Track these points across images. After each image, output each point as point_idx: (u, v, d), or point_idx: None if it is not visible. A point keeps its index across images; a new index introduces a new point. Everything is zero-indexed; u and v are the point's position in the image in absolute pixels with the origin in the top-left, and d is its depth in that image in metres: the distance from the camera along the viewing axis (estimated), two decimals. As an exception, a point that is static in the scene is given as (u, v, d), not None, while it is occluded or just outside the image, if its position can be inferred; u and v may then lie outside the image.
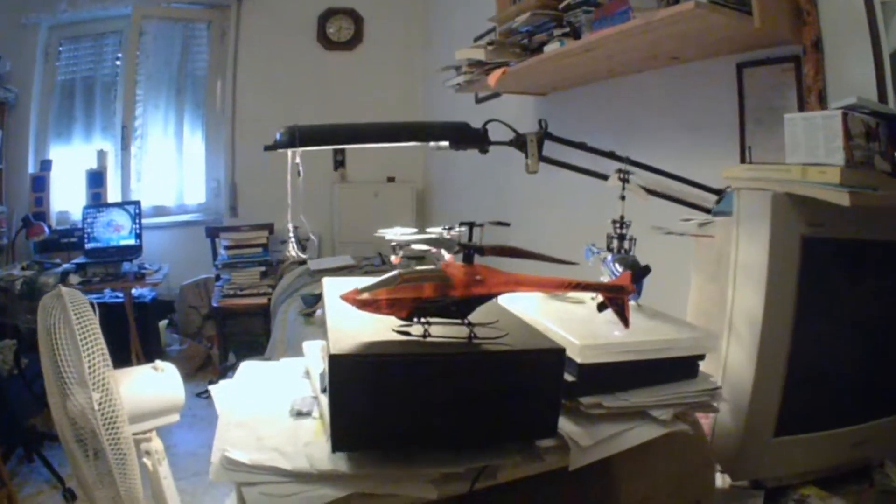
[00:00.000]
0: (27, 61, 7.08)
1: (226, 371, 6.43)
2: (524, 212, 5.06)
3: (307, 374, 2.08)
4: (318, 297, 5.09)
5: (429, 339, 1.57)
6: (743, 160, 2.75)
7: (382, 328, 1.60)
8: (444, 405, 1.53)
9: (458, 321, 1.60)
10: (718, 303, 2.10)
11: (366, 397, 1.48)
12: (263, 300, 6.66)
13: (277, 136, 1.97)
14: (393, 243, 2.14)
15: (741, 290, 1.95)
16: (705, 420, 2.00)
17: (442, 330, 1.59)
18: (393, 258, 2.25)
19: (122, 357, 5.97)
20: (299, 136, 1.95)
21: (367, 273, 6.18)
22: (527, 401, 1.57)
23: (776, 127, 2.59)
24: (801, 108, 2.48)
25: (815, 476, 2.01)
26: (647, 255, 2.15)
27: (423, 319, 1.59)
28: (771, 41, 2.59)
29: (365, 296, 1.56)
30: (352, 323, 1.65)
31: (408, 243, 2.10)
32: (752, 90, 2.77)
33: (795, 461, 2.00)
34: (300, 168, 1.98)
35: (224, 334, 6.83)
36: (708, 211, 2.37)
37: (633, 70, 3.55)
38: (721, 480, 2.03)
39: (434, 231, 2.05)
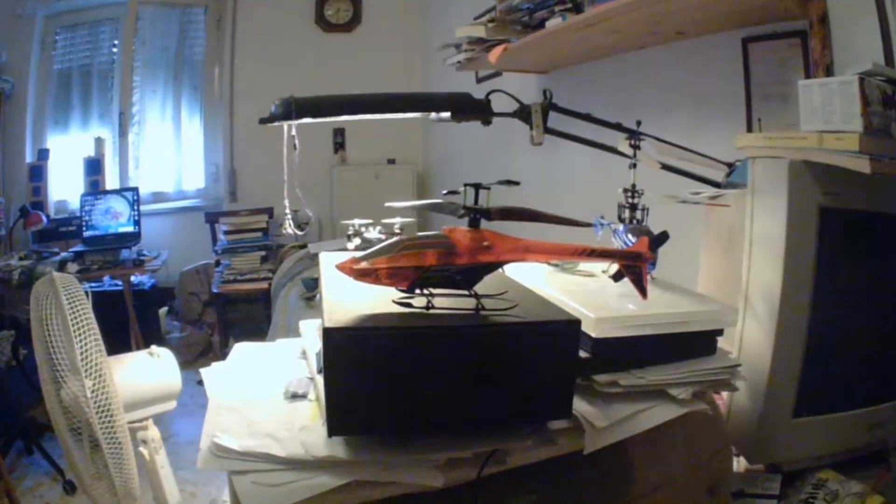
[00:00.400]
0: (23, 51, 7.00)
1: (227, 357, 6.35)
2: (531, 189, 4.97)
3: (303, 354, 2.01)
4: (318, 281, 5.04)
5: (432, 311, 1.48)
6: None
7: (382, 299, 1.51)
8: (450, 383, 1.43)
9: (464, 292, 1.52)
10: (730, 276, 2.06)
11: (364, 375, 1.38)
12: (264, 285, 6.59)
13: (273, 109, 1.91)
14: (363, 227, 2.07)
15: (757, 263, 1.89)
16: (721, 401, 1.94)
17: (446, 301, 1.50)
18: (349, 245, 2.19)
19: (122, 345, 5.87)
20: (296, 108, 1.88)
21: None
22: (539, 378, 1.48)
23: (783, 102, 2.58)
24: (808, 83, 2.43)
25: (832, 460, 1.96)
26: (657, 226, 2.09)
27: (426, 290, 1.50)
28: (777, 15, 2.55)
29: (363, 265, 1.46)
30: (349, 295, 1.56)
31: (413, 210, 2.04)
32: (757, 65, 2.73)
33: (814, 444, 1.95)
34: (296, 142, 1.92)
35: (225, 320, 6.79)
36: (717, 185, 2.31)
37: (637, 46, 3.50)
38: (737, 464, 1.97)
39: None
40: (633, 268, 1.67)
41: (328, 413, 1.40)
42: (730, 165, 2.34)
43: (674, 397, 1.66)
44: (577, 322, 1.50)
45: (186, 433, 4.96)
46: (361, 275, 1.46)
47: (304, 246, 6.39)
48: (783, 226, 1.78)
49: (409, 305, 1.49)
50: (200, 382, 5.50)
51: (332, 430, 1.41)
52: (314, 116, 1.92)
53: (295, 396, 1.73)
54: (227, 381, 1.89)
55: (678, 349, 1.75)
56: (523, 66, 4.55)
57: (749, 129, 2.73)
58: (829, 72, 2.32)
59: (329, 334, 1.35)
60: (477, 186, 1.57)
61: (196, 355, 6.92)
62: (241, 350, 2.14)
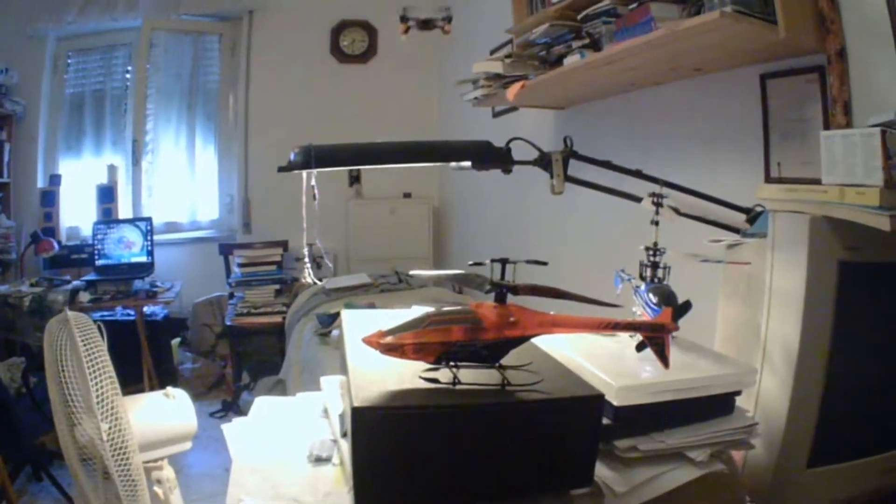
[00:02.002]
0: (35, 73, 7.04)
1: (240, 391, 6.41)
2: (547, 228, 5.01)
3: (325, 412, 2.00)
4: (333, 317, 5.04)
5: (458, 387, 1.48)
6: (768, 174, 2.69)
7: (407, 372, 1.52)
8: (476, 457, 1.44)
9: (489, 365, 1.52)
10: (749, 326, 2.05)
11: (391, 451, 1.40)
12: (278, 319, 6.55)
13: (292, 157, 1.90)
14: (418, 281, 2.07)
15: (776, 318, 1.89)
16: (737, 452, 1.93)
17: (472, 374, 1.51)
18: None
19: (134, 376, 5.96)
20: (315, 157, 1.88)
21: (383, 291, 6.13)
22: (563, 449, 1.50)
23: (801, 139, 2.56)
24: (826, 118, 2.43)
25: (849, 505, 1.95)
26: (674, 277, 2.08)
27: (452, 364, 1.50)
28: (795, 51, 2.54)
29: (389, 340, 1.46)
30: (374, 366, 1.56)
31: (436, 280, 2.03)
32: (775, 101, 2.71)
33: (829, 492, 1.94)
34: (315, 191, 1.91)
35: (238, 353, 6.75)
36: (737, 231, 2.30)
37: (654, 82, 3.49)
38: (753, 514, 1.96)
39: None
40: (657, 339, 1.67)
41: (356, 485, 1.41)
42: (748, 211, 2.33)
43: (692, 459, 1.66)
44: (601, 397, 1.53)
45: (199, 465, 4.96)
46: (388, 349, 1.47)
47: (319, 280, 6.38)
48: (803, 281, 1.78)
49: (435, 381, 1.49)
50: (213, 414, 5.52)
51: (360, 501, 1.41)
52: (333, 165, 1.92)
53: (319, 460, 1.72)
54: (249, 439, 1.88)
55: (697, 411, 1.75)
56: (540, 101, 4.55)
57: (767, 168, 2.72)
58: (847, 108, 2.31)
59: (358, 413, 1.36)
60: (503, 262, 1.57)
61: (208, 387, 6.91)
62: (262, 405, 2.13)
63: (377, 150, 2.03)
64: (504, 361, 1.53)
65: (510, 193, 5.61)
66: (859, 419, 1.95)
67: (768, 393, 1.88)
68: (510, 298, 1.55)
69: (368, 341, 1.49)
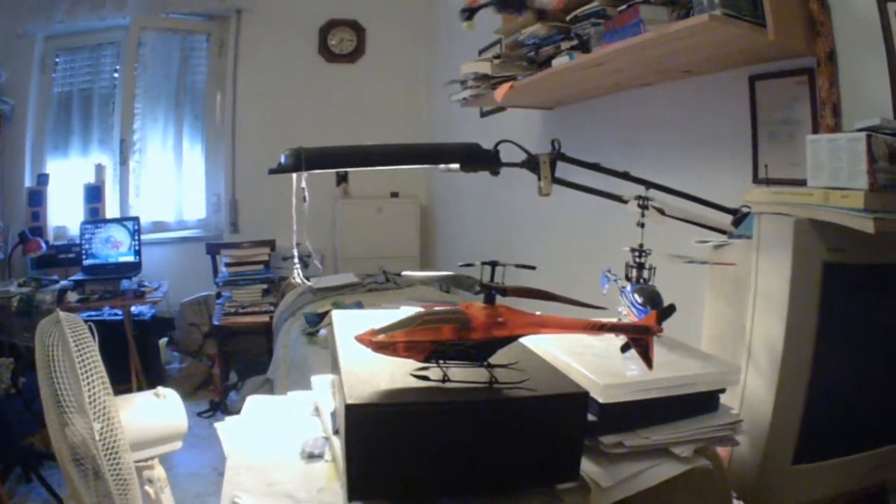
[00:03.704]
0: (23, 72, 7.02)
1: (227, 390, 6.40)
2: (535, 227, 5.05)
3: (316, 410, 2.02)
4: (321, 316, 5.04)
5: (448, 385, 1.51)
6: (756, 175, 2.72)
7: (398, 371, 1.55)
8: (465, 452, 1.47)
9: (478, 364, 1.54)
10: (734, 325, 2.07)
11: (383, 446, 1.43)
12: (265, 318, 6.54)
13: (282, 159, 1.91)
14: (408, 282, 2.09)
15: (761, 319, 1.90)
16: (723, 449, 1.94)
17: (461, 373, 1.54)
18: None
19: (122, 375, 5.96)
20: (305, 159, 1.88)
21: (370, 291, 6.13)
22: (549, 445, 1.53)
23: (789, 140, 2.59)
24: (815, 121, 2.46)
25: (833, 502, 1.98)
26: (662, 277, 2.10)
27: (441, 362, 1.53)
28: (784, 53, 2.57)
29: (381, 338, 1.49)
30: (365, 365, 1.58)
31: (426, 280, 2.04)
32: (764, 103, 2.74)
33: (814, 489, 1.95)
34: (306, 193, 1.91)
35: (225, 353, 6.74)
36: (724, 232, 2.31)
37: (643, 83, 3.51)
38: (738, 510, 1.98)
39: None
40: (641, 340, 1.70)
41: (348, 480, 1.43)
42: (735, 213, 2.34)
43: (676, 455, 1.69)
44: (586, 395, 1.56)
45: (187, 464, 4.96)
46: (380, 347, 1.50)
47: (306, 280, 6.37)
48: (787, 282, 1.79)
49: (426, 378, 1.52)
50: (201, 414, 5.54)
51: (352, 495, 1.44)
52: (323, 168, 1.93)
53: (312, 457, 1.74)
54: (243, 437, 1.90)
55: (681, 408, 1.77)
56: (528, 102, 4.57)
57: (755, 170, 2.74)
58: (836, 110, 2.33)
59: (351, 410, 1.39)
60: (493, 264, 1.61)
61: (196, 387, 6.92)
62: (254, 403, 2.15)
63: (367, 153, 2.03)
64: (492, 360, 1.55)
65: (498, 192, 5.62)
66: (844, 417, 1.97)
67: (753, 391, 1.90)
68: (501, 300, 1.58)
69: (360, 339, 1.52)
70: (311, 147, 1.91)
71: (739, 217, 2.28)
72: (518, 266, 1.63)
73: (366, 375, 1.53)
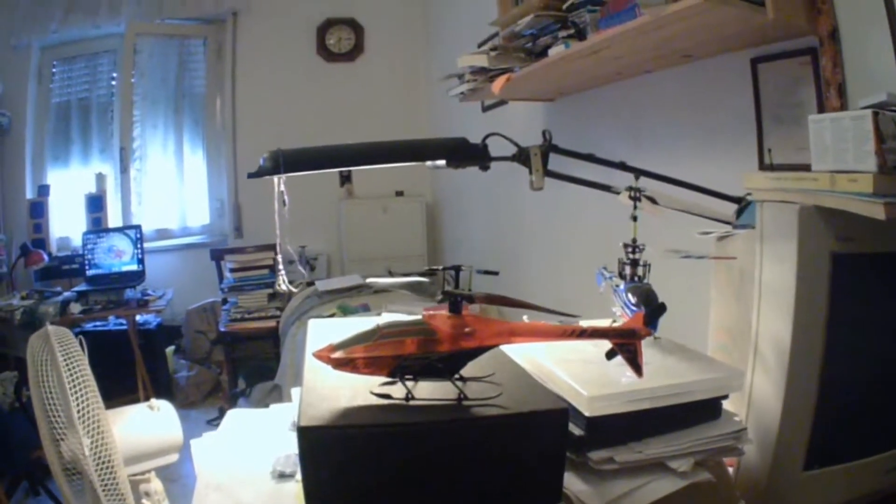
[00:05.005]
0: (20, 83, 7.02)
1: (236, 397, 6.37)
2: (542, 221, 4.97)
3: (294, 425, 1.95)
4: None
5: (412, 403, 1.42)
6: (761, 161, 2.64)
7: (362, 387, 1.46)
8: (432, 475, 1.38)
9: (447, 378, 1.45)
10: (742, 320, 1.99)
11: (341, 470, 1.33)
12: (272, 323, 6.52)
13: (261, 162, 1.85)
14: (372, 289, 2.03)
15: (766, 314, 1.82)
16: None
17: (429, 388, 1.45)
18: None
19: (129, 385, 5.98)
20: (284, 161, 1.82)
21: (377, 293, 6.08)
22: (525, 466, 1.43)
23: (795, 124, 2.50)
24: (820, 102, 2.37)
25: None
26: (663, 273, 2.02)
27: (408, 378, 1.44)
28: (786, 33, 2.48)
29: (339, 354, 1.41)
30: (329, 380, 1.50)
31: (391, 287, 1.97)
32: (767, 86, 2.66)
33: (827, 495, 1.86)
34: (285, 197, 1.85)
35: (233, 359, 6.71)
36: (728, 222, 2.23)
37: (643, 70, 3.44)
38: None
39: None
40: (627, 346, 1.57)
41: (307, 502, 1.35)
42: (739, 201, 2.26)
43: (674, 470, 1.60)
44: (564, 411, 1.44)
45: (193, 475, 4.91)
46: (339, 364, 1.42)
47: (311, 283, 6.34)
48: (793, 275, 1.71)
49: (388, 396, 1.44)
50: (210, 422, 5.52)
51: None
52: (304, 169, 1.86)
53: (283, 476, 1.69)
54: (216, 454, 1.86)
55: (679, 417, 1.69)
56: (528, 94, 4.49)
57: (760, 155, 2.66)
58: (841, 91, 2.25)
59: (304, 433, 1.31)
60: (456, 269, 1.53)
61: (205, 394, 6.91)
62: (234, 418, 2.11)
63: (348, 152, 1.96)
64: (465, 372, 1.47)
65: (504, 187, 5.57)
66: (857, 418, 1.88)
67: (761, 392, 1.82)
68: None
69: (319, 356, 1.44)
70: (289, 149, 1.85)
71: (743, 205, 2.20)
72: (480, 272, 1.56)
73: (328, 392, 1.45)
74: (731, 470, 1.87)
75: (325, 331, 1.87)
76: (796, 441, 1.78)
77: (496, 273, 1.58)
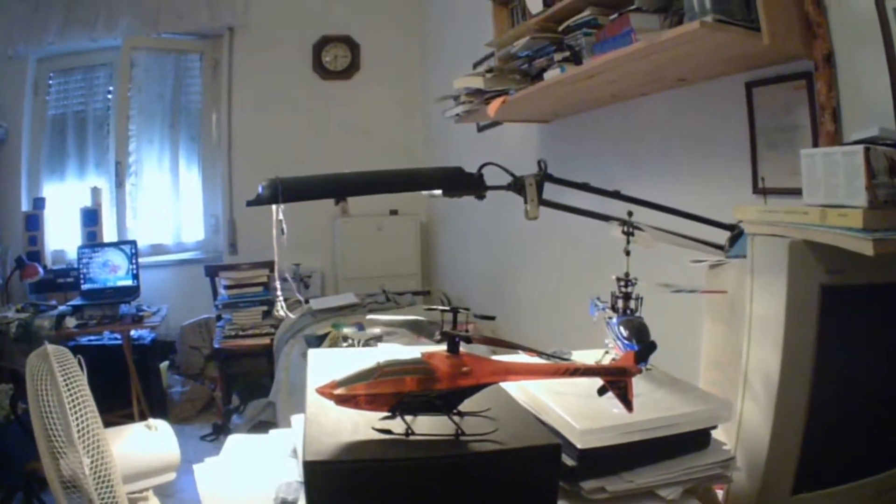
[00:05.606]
0: (16, 95, 7.02)
1: (230, 414, 6.34)
2: (535, 241, 4.99)
3: (294, 452, 1.96)
4: (321, 339, 5.00)
5: (412, 438, 1.46)
6: (755, 186, 2.65)
7: (363, 422, 1.49)
8: (431, 508, 1.42)
9: (444, 414, 1.49)
10: (734, 349, 2.00)
11: (345, 503, 1.38)
12: (266, 341, 6.52)
13: (260, 190, 1.87)
14: (371, 331, 2.06)
15: (756, 345, 1.85)
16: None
17: (427, 423, 1.49)
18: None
19: (123, 400, 5.96)
20: (283, 190, 1.83)
21: (371, 311, 6.08)
22: (521, 498, 1.48)
23: (789, 147, 2.53)
24: (815, 127, 2.41)
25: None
26: (656, 303, 2.04)
27: (407, 413, 1.48)
28: (781, 57, 2.52)
29: (341, 391, 1.44)
30: (330, 415, 1.54)
31: (386, 326, 2.00)
32: (762, 110, 2.69)
33: (814, 519, 1.88)
34: (283, 226, 1.87)
35: (227, 376, 6.71)
36: (720, 247, 2.25)
37: (639, 93, 3.47)
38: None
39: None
40: (618, 383, 1.62)
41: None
42: (732, 228, 2.28)
43: (663, 498, 1.63)
44: (557, 446, 1.49)
45: (191, 489, 4.90)
46: (341, 401, 1.46)
47: (306, 301, 6.35)
48: (783, 307, 1.74)
49: (389, 431, 1.48)
50: (204, 438, 5.52)
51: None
52: (302, 198, 1.88)
53: (285, 503, 1.69)
54: (219, 480, 1.88)
55: (670, 448, 1.71)
56: (523, 115, 4.52)
57: (754, 178, 2.68)
58: (836, 115, 2.28)
59: (309, 467, 1.35)
60: (454, 310, 1.57)
61: (198, 410, 6.88)
62: (235, 443, 2.12)
63: (346, 181, 1.98)
64: (463, 404, 1.51)
65: (500, 208, 5.56)
66: (844, 444, 1.91)
67: (750, 420, 1.84)
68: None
69: (322, 392, 1.48)
70: (287, 178, 1.86)
71: (735, 235, 2.22)
72: (477, 316, 1.60)
73: (331, 426, 1.49)
74: (720, 494, 1.89)
75: (325, 360, 1.90)
76: (785, 467, 1.80)
77: (493, 318, 1.61)
